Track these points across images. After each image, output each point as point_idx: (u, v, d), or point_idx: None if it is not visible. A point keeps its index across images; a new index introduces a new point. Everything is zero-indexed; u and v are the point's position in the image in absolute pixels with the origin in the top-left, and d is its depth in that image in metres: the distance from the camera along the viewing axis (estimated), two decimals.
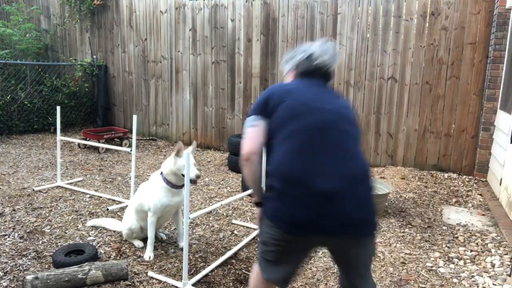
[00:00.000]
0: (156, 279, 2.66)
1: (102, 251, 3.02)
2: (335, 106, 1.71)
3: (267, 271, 1.74)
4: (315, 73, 1.83)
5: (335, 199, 1.51)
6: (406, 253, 3.19)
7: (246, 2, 6.32)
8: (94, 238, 3.24)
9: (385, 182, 4.47)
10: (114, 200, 4.16)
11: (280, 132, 1.66)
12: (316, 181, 1.52)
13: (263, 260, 1.75)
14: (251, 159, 1.67)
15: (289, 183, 1.56)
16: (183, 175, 2.75)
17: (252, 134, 1.70)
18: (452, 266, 3.00)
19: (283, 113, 1.68)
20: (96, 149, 6.36)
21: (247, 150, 1.67)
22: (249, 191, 3.55)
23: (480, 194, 4.72)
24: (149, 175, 5.17)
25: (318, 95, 1.74)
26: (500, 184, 4.44)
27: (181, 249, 3.06)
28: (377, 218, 1.69)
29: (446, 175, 5.50)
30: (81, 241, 3.18)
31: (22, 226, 3.41)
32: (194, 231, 3.47)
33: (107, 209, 3.86)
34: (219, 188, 4.74)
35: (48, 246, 3.07)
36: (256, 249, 3.16)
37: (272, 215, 1.60)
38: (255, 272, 1.83)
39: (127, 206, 4.00)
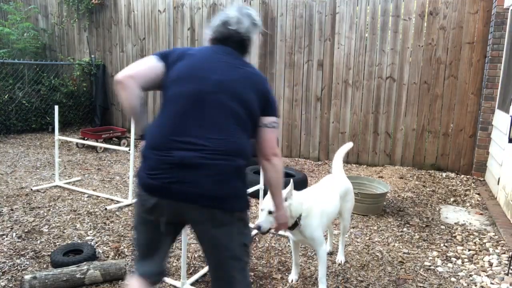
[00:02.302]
0: None
1: (101, 251, 3.01)
2: (226, 77, 1.63)
3: (139, 263, 1.70)
4: (227, 40, 1.74)
5: (188, 168, 1.51)
6: (404, 252, 3.19)
7: (245, 1, 6.31)
8: (93, 238, 3.24)
9: (384, 182, 4.48)
10: (112, 200, 4.15)
11: (164, 95, 1.67)
12: (174, 150, 1.53)
13: (136, 250, 1.72)
14: (125, 82, 1.60)
15: (152, 148, 1.58)
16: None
17: (139, 63, 1.67)
18: (450, 265, 3.01)
19: (172, 75, 1.66)
20: (94, 148, 6.35)
21: (122, 73, 1.61)
22: (248, 191, 3.55)
23: (478, 194, 4.73)
24: None
25: (214, 63, 1.66)
26: (498, 184, 4.45)
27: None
28: (244, 204, 1.64)
29: (444, 174, 5.51)
30: (79, 241, 3.18)
31: (20, 226, 3.40)
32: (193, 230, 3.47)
33: (105, 209, 3.85)
34: None
35: (46, 246, 3.06)
36: (255, 248, 3.16)
37: (137, 173, 1.63)
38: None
39: (125, 205, 4.00)
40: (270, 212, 2.21)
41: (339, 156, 3.11)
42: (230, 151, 1.55)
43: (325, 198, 2.63)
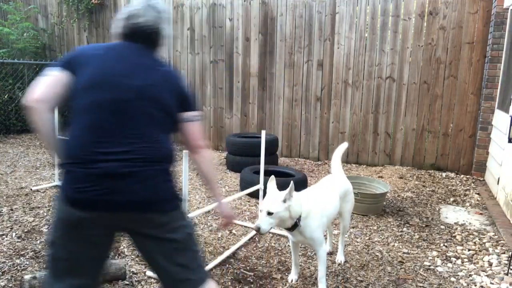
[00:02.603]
0: (155, 279, 2.66)
1: None
2: (143, 82, 1.59)
3: (56, 283, 1.56)
4: (135, 35, 1.68)
5: (117, 178, 1.49)
6: (404, 252, 3.20)
7: (245, 1, 6.31)
8: None
9: (383, 181, 4.48)
10: None
11: (76, 102, 1.57)
12: (99, 162, 1.48)
13: (51, 268, 1.59)
14: (35, 107, 1.52)
15: (74, 161, 1.51)
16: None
17: (45, 82, 1.56)
18: (449, 265, 3.01)
19: (82, 82, 1.56)
20: None
21: (32, 97, 1.52)
22: (248, 191, 3.55)
23: (478, 193, 4.73)
24: None
25: (128, 67, 1.61)
26: (498, 183, 4.45)
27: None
28: (176, 201, 1.62)
29: (444, 174, 5.51)
30: None
31: (19, 226, 3.40)
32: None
33: None
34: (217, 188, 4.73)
35: (46, 246, 3.06)
36: (255, 248, 3.17)
37: (61, 188, 1.54)
38: None
39: None
40: (269, 213, 2.23)
41: (337, 156, 3.11)
42: (156, 157, 1.56)
43: (325, 198, 2.63)
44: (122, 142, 1.52)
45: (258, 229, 2.23)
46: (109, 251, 1.70)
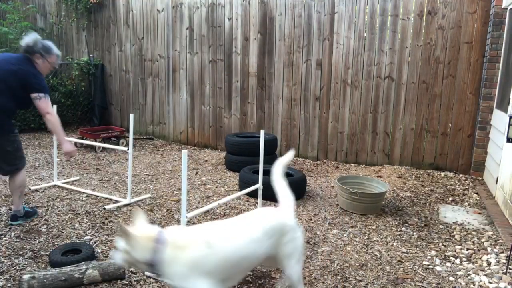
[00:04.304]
0: (154, 278, 2.66)
1: (99, 250, 3.01)
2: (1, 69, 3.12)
3: None
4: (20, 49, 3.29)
5: None
6: (402, 252, 3.20)
7: (244, 1, 6.31)
8: (91, 238, 3.24)
9: (382, 181, 4.49)
10: (111, 199, 4.15)
11: None
12: None
13: None
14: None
15: None
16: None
17: None
18: (448, 264, 3.02)
19: None
20: (93, 148, 6.34)
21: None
22: (246, 190, 3.55)
23: (477, 193, 4.74)
24: (147, 174, 5.17)
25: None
26: (496, 183, 4.46)
27: None
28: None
29: (442, 174, 5.52)
30: (78, 241, 3.17)
31: (18, 226, 3.40)
32: None
33: (104, 208, 3.85)
34: (216, 187, 4.74)
35: (45, 246, 3.06)
36: None
37: None
38: None
39: (124, 205, 4.00)
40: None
41: (278, 172, 2.46)
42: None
43: (220, 241, 1.91)
44: None
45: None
46: None
